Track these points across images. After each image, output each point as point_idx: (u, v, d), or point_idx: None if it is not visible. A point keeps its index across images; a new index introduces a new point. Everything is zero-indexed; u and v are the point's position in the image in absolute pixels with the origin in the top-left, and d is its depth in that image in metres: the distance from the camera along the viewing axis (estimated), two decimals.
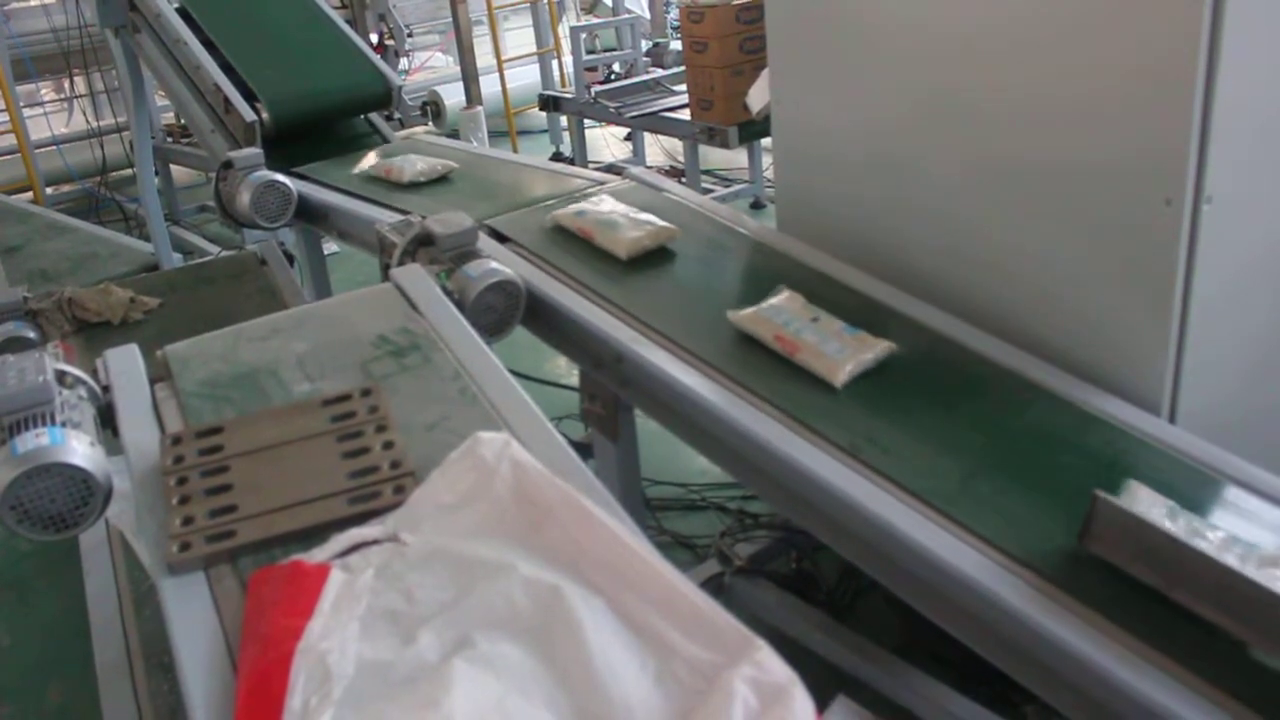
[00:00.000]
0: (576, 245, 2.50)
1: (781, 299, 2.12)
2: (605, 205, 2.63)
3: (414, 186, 3.12)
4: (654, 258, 2.44)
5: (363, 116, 3.94)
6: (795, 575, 2.55)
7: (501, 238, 2.58)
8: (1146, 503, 1.55)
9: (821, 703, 1.09)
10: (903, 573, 1.63)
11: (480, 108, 6.42)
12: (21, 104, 6.35)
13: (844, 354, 1.94)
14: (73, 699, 2.57)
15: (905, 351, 2.00)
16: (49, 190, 6.54)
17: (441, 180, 3.17)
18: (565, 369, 3.78)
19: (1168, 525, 1.46)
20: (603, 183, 2.93)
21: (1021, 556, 1.52)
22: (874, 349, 1.97)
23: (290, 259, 3.11)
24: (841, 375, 1.91)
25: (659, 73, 6.15)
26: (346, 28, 4.20)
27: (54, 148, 6.76)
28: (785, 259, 2.44)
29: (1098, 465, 1.73)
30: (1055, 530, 1.56)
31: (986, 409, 1.90)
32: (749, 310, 2.10)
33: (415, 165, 3.19)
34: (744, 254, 2.53)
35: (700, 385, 1.95)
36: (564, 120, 6.79)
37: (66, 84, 7.10)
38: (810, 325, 2.03)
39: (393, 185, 3.15)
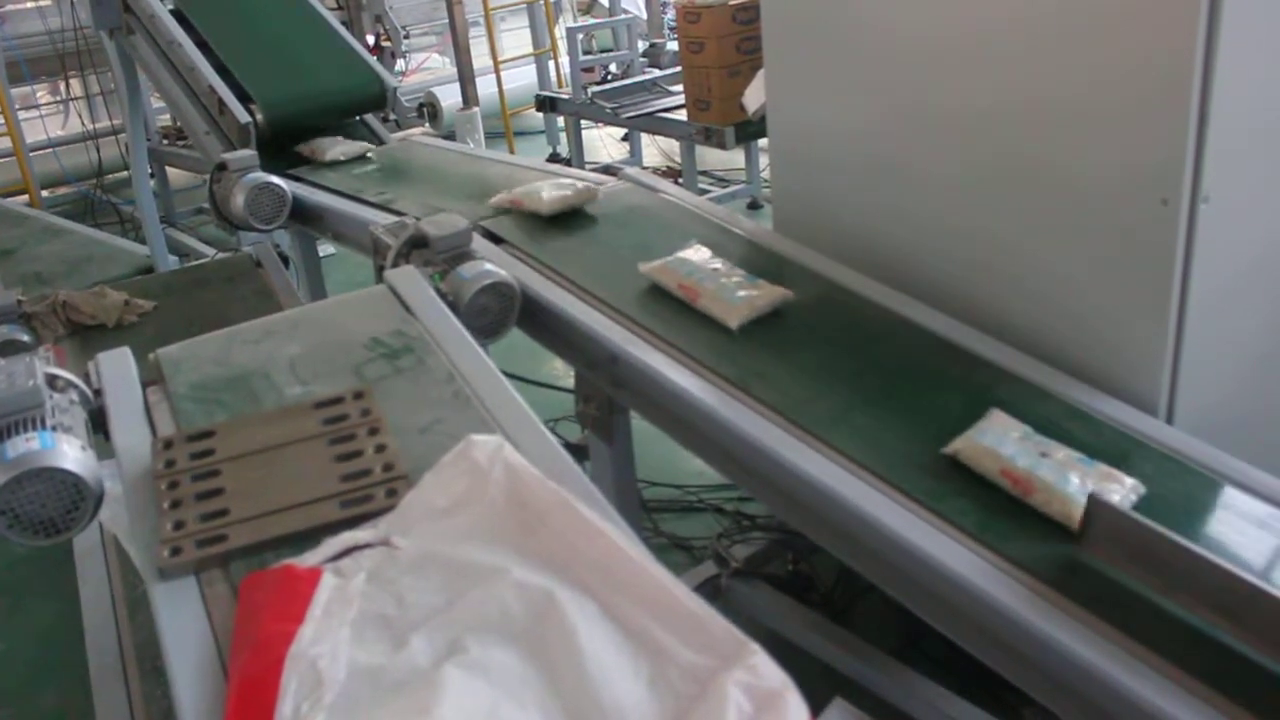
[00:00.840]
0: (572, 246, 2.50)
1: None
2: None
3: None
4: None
5: (359, 118, 3.94)
6: (792, 577, 2.54)
7: (496, 239, 2.57)
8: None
9: (818, 705, 1.09)
10: (899, 575, 1.62)
11: (477, 109, 6.41)
12: (17, 106, 6.34)
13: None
14: (67, 704, 2.56)
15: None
16: (44, 193, 6.53)
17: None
18: (561, 371, 3.78)
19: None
20: (600, 184, 2.93)
21: (1018, 558, 1.51)
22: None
23: (285, 261, 3.10)
24: None
25: (656, 73, 6.15)
26: (342, 29, 4.19)
27: (49, 150, 6.75)
28: (785, 260, 2.44)
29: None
30: (1055, 534, 1.56)
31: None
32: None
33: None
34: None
35: (695, 386, 1.94)
36: (561, 121, 6.79)
37: (62, 86, 7.10)
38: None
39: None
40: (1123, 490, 1.58)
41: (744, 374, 1.95)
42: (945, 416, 1.80)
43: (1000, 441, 1.67)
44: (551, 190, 2.69)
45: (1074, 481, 1.58)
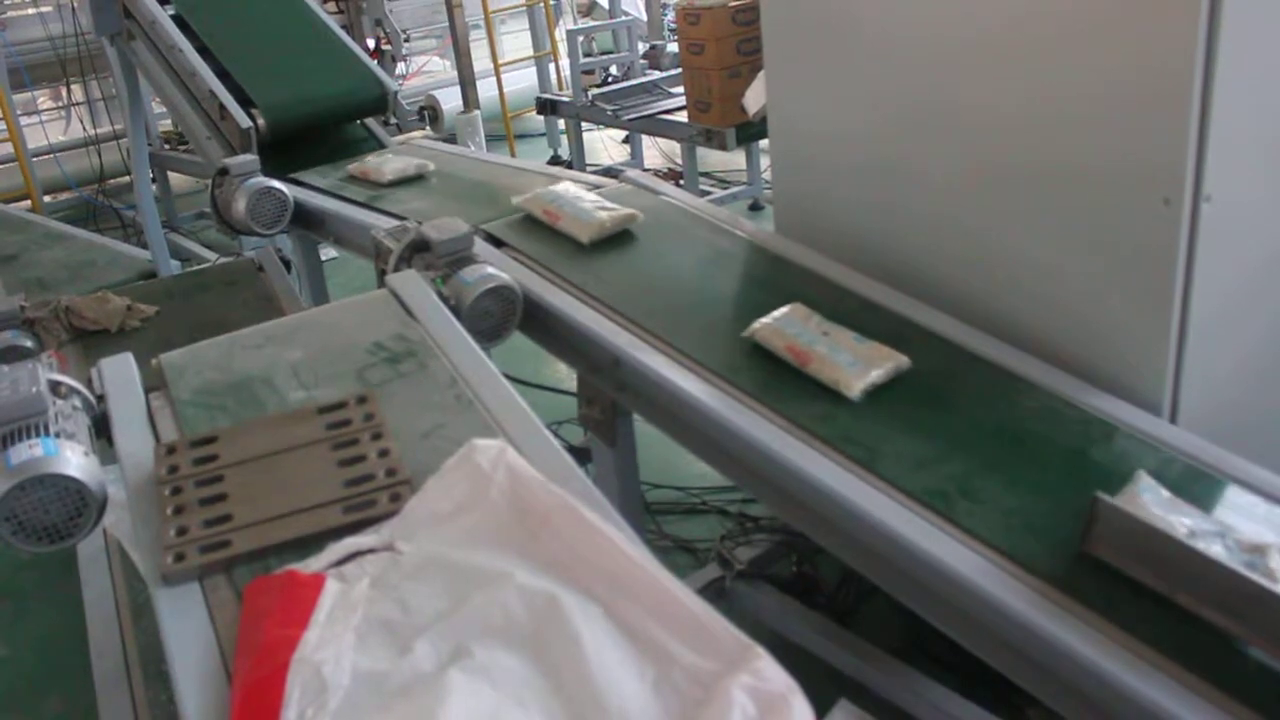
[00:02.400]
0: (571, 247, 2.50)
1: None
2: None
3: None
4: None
5: (359, 122, 3.94)
6: (796, 579, 2.54)
7: (498, 242, 2.57)
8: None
9: (822, 707, 1.09)
10: (903, 577, 1.62)
11: (478, 112, 6.40)
12: (18, 112, 6.35)
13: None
14: (71, 709, 2.56)
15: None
16: (46, 198, 6.54)
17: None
18: (564, 374, 3.78)
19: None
20: (601, 186, 2.93)
21: (1023, 559, 1.51)
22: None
23: (287, 265, 3.10)
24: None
25: (656, 75, 6.15)
26: (342, 33, 4.20)
27: (51, 156, 6.75)
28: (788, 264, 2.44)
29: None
30: (1059, 534, 1.55)
31: (989, 413, 1.89)
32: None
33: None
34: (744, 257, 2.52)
35: (697, 389, 1.94)
36: (562, 124, 6.78)
37: (63, 92, 7.10)
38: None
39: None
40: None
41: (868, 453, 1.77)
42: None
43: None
44: (592, 214, 2.53)
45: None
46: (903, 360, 1.95)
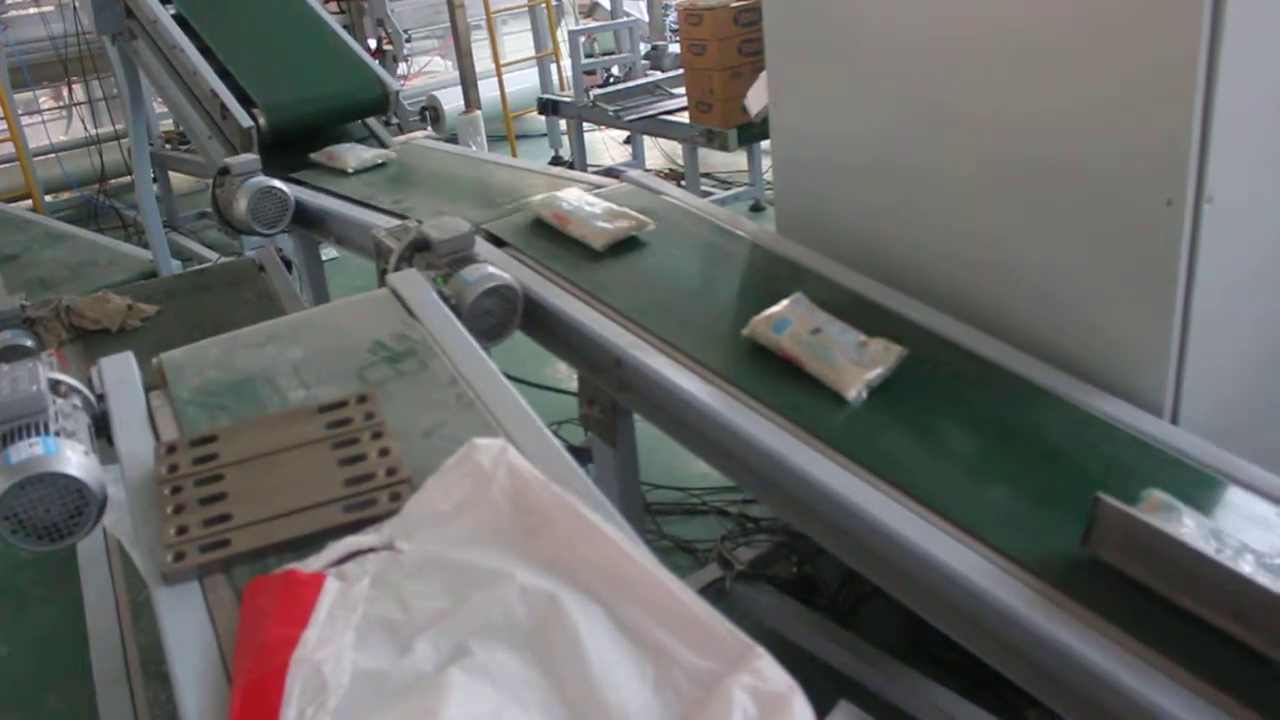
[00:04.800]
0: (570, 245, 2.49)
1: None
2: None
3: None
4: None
5: (361, 122, 3.94)
6: (797, 579, 2.54)
7: (499, 242, 2.57)
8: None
9: (823, 707, 1.08)
10: (903, 577, 1.62)
11: (479, 112, 6.41)
12: (20, 112, 6.35)
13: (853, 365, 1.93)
14: (71, 709, 2.56)
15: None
16: (48, 198, 6.54)
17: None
18: (564, 374, 3.77)
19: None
20: (602, 186, 2.92)
21: (1023, 560, 1.51)
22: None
23: (288, 265, 3.10)
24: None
25: (658, 76, 6.14)
26: (344, 33, 4.19)
27: (52, 155, 6.76)
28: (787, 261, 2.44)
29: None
30: (1060, 536, 1.55)
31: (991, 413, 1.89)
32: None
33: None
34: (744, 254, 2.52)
35: (698, 389, 1.94)
36: (563, 124, 6.78)
37: (65, 92, 7.10)
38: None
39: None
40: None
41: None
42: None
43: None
44: (604, 222, 2.52)
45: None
46: (901, 351, 1.95)
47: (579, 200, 2.65)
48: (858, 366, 1.92)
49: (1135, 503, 1.52)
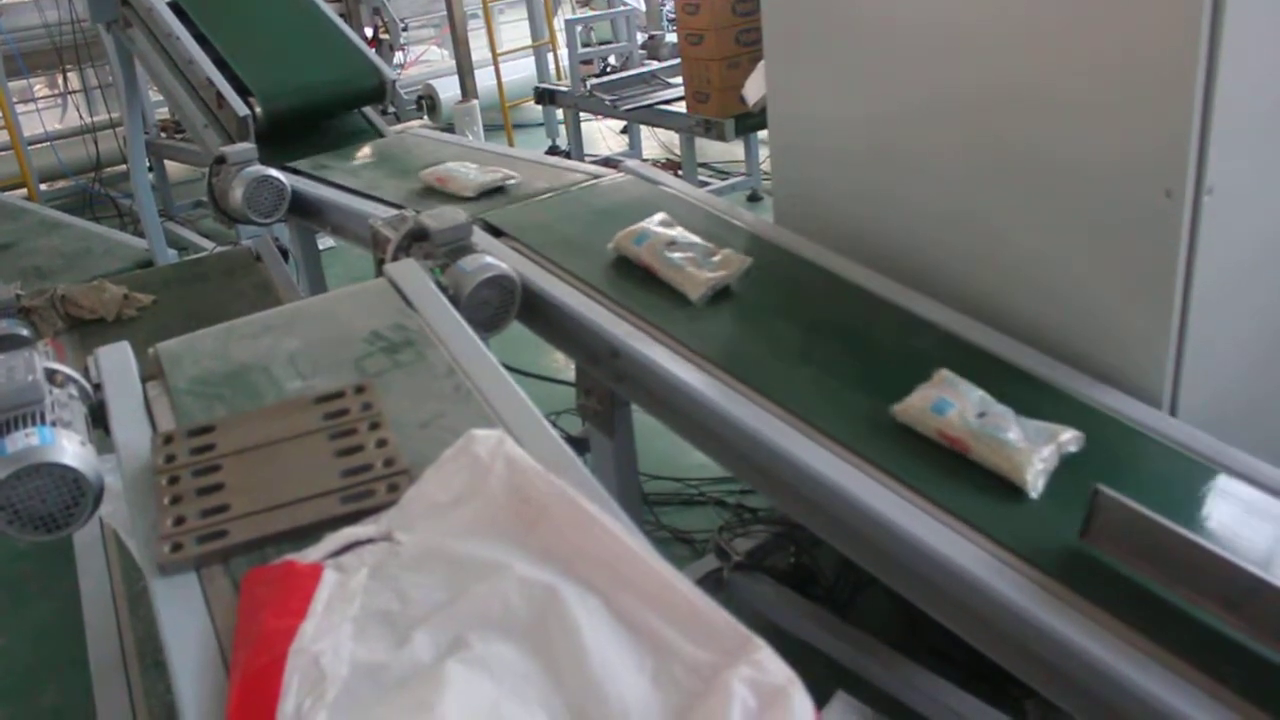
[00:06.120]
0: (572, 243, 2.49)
1: None
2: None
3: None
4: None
5: (357, 111, 3.92)
6: (794, 570, 2.53)
7: (497, 232, 2.56)
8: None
9: (820, 698, 1.08)
10: (901, 568, 1.62)
11: (475, 101, 6.39)
12: (14, 100, 6.32)
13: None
14: (67, 700, 2.56)
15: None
16: (43, 186, 6.51)
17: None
18: (562, 364, 3.77)
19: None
20: (599, 176, 2.91)
21: (1021, 551, 1.51)
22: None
23: (285, 254, 3.09)
24: None
25: (655, 65, 6.13)
26: (340, 21, 4.18)
27: (47, 144, 6.73)
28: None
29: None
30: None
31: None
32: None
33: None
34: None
35: (695, 379, 1.93)
36: (560, 114, 6.76)
37: (60, 80, 7.07)
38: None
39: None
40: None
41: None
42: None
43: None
44: (701, 270, 2.22)
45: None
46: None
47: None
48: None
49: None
